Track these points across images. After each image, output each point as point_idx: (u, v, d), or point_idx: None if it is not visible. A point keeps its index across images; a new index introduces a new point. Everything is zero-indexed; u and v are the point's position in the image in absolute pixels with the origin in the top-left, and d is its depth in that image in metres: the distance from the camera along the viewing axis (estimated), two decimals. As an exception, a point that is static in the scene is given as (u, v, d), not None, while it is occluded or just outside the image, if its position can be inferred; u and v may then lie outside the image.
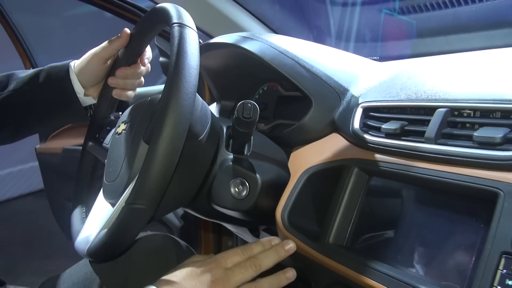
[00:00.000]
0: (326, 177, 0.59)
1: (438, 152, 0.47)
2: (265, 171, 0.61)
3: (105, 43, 0.66)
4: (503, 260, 0.38)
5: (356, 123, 0.58)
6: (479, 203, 0.43)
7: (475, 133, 0.44)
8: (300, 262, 0.60)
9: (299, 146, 0.67)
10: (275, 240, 0.54)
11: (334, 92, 0.64)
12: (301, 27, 1.25)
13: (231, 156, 0.61)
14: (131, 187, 0.50)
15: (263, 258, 0.51)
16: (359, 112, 0.59)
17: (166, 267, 0.52)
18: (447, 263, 0.45)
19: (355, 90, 0.64)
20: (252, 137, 0.63)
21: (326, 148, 0.62)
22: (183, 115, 0.46)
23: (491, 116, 0.45)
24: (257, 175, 0.59)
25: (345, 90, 0.64)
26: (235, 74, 0.82)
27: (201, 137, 0.57)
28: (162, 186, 0.46)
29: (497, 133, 0.42)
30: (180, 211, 1.28)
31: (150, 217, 0.48)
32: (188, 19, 0.52)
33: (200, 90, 1.11)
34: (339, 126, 0.62)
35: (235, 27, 1.00)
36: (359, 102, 0.61)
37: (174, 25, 0.50)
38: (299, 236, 0.58)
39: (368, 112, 0.59)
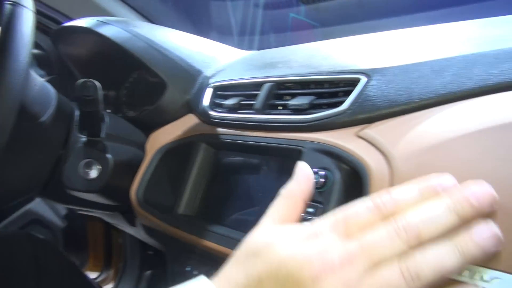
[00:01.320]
0: (178, 154, 0.62)
1: (263, 120, 0.52)
2: (119, 152, 0.62)
3: None
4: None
5: (206, 102, 0.62)
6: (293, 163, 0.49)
7: (290, 102, 0.50)
8: (157, 238, 0.62)
9: (158, 128, 0.69)
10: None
11: (188, 74, 0.67)
12: (182, 19, 1.27)
13: (84, 138, 0.61)
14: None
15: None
16: (208, 92, 0.63)
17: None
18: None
19: (208, 72, 0.68)
20: (108, 120, 0.63)
21: (180, 127, 0.64)
22: (8, 92, 0.45)
23: (306, 87, 0.52)
24: (109, 155, 0.59)
25: (198, 72, 0.68)
26: (102, 62, 0.81)
27: (43, 118, 0.56)
28: None
29: (305, 100, 0.49)
30: (62, 210, 1.22)
31: None
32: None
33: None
34: (193, 106, 0.65)
35: (105, 14, 0.98)
36: (210, 83, 0.64)
37: (6, 3, 0.49)
38: (153, 212, 0.60)
39: (216, 91, 0.63)
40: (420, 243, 0.27)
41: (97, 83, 0.53)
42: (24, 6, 0.50)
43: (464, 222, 0.27)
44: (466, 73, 0.39)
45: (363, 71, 0.46)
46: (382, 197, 0.29)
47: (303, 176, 0.35)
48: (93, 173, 0.59)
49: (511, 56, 0.38)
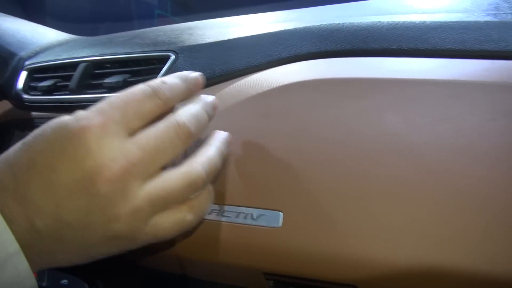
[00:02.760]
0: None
1: (78, 100, 0.50)
2: None
3: None
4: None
5: (20, 85, 0.57)
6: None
7: (105, 81, 0.49)
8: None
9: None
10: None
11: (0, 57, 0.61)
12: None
13: None
14: None
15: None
16: (23, 75, 0.58)
17: None
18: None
19: (24, 54, 0.62)
20: None
21: (-10, 114, 0.58)
22: None
23: (123, 66, 0.52)
24: None
25: (12, 54, 0.62)
26: None
27: None
28: None
29: (120, 79, 0.49)
30: None
31: None
32: None
33: None
34: (6, 91, 0.59)
35: None
36: (25, 65, 0.59)
37: None
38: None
39: (32, 74, 0.58)
40: (190, 138, 0.28)
41: None
42: None
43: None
44: (256, 51, 0.45)
45: (173, 49, 0.48)
46: (158, 84, 0.29)
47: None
48: None
49: (289, 35, 0.45)
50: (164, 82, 0.30)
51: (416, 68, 0.36)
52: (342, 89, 0.35)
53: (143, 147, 0.26)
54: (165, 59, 0.48)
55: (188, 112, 0.29)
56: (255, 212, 0.31)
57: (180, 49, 0.48)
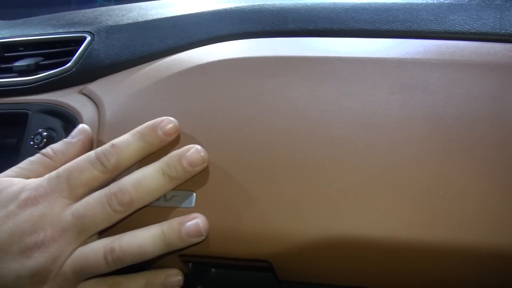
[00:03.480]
0: None
1: (-15, 86, 0.46)
2: None
3: None
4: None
5: None
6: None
7: (15, 64, 0.46)
8: None
9: None
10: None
11: None
12: None
13: None
14: None
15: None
16: None
17: None
18: None
19: None
20: None
21: None
22: None
23: (37, 49, 0.48)
24: None
25: None
26: None
27: None
28: None
29: (31, 61, 0.45)
30: None
31: None
32: None
33: None
34: None
35: None
36: None
37: None
38: None
39: None
40: (130, 206, 0.29)
41: None
42: None
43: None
44: (176, 32, 0.43)
45: (89, 30, 0.46)
46: (104, 149, 0.30)
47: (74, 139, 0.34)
48: None
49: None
50: (113, 146, 0.30)
51: (329, 47, 0.37)
52: (256, 67, 0.35)
53: (75, 215, 0.28)
54: (80, 40, 0.45)
55: (131, 179, 0.29)
56: (167, 193, 0.31)
57: (97, 30, 0.45)
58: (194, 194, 0.30)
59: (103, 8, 0.55)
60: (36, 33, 0.49)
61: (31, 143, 0.41)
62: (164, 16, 0.46)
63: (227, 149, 0.31)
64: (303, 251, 0.28)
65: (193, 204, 0.30)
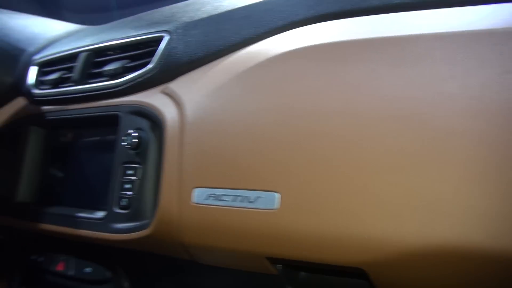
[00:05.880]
0: (9, 140, 0.58)
1: (82, 91, 0.50)
2: None
3: None
4: (122, 169, 0.43)
5: (31, 80, 0.58)
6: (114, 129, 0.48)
7: (105, 68, 0.48)
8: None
9: (-16, 116, 0.63)
10: None
11: (7, 54, 0.61)
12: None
13: None
14: None
15: None
16: (33, 70, 0.59)
17: None
18: (97, 185, 0.49)
19: (33, 49, 0.63)
20: None
21: (7, 111, 0.59)
22: None
23: (122, 52, 0.51)
24: None
25: (20, 51, 0.62)
26: None
27: None
28: None
29: (118, 65, 0.48)
30: None
31: None
32: None
33: None
34: (18, 87, 0.60)
35: None
36: (34, 59, 0.60)
37: None
38: (-14, 206, 0.55)
39: (42, 68, 0.59)
40: None
41: None
42: None
43: None
44: (250, 22, 0.42)
45: (167, 29, 0.46)
46: None
47: None
48: None
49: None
50: None
51: (421, 22, 0.32)
52: (337, 54, 0.32)
53: None
54: (159, 40, 0.46)
55: None
56: (252, 194, 0.30)
57: (174, 29, 0.46)
58: (278, 195, 0.29)
59: (180, 4, 0.55)
60: (120, 36, 0.51)
61: (124, 143, 0.43)
62: (237, 7, 0.44)
63: (313, 147, 0.29)
64: (402, 260, 0.26)
65: (278, 205, 0.29)
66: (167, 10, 0.53)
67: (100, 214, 0.45)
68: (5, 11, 0.72)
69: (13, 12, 0.73)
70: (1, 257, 0.54)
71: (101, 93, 0.48)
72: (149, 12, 0.59)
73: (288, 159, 0.30)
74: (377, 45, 0.31)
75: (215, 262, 0.35)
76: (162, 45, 0.45)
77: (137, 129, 0.43)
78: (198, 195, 0.33)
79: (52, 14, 1.27)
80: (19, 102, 0.60)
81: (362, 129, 0.28)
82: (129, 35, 0.50)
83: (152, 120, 0.42)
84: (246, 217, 0.30)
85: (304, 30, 0.38)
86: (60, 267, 0.50)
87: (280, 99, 0.32)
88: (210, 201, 0.32)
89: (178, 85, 0.41)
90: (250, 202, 0.30)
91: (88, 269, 0.48)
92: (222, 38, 0.42)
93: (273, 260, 0.31)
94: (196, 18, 0.46)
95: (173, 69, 0.44)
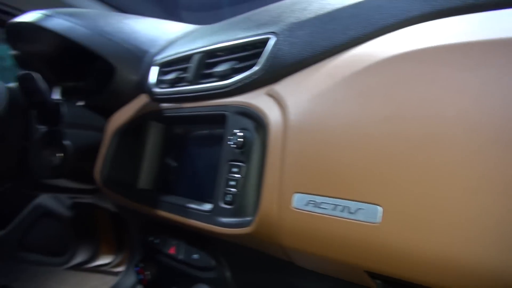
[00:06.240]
0: (134, 133, 0.65)
1: (194, 91, 0.54)
2: (79, 137, 0.65)
3: None
4: (228, 166, 0.46)
5: (152, 80, 0.64)
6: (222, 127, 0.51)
7: (215, 69, 0.51)
8: (124, 213, 0.66)
9: (116, 111, 0.72)
10: None
11: (133, 55, 0.69)
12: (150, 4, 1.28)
13: (44, 129, 0.65)
14: None
15: None
16: (154, 70, 0.65)
17: None
18: (206, 179, 0.53)
19: (155, 50, 0.70)
20: (66, 109, 0.67)
21: (133, 107, 0.67)
22: None
23: (232, 53, 0.53)
24: (67, 142, 0.63)
25: (144, 52, 0.70)
26: (60, 54, 0.83)
27: None
28: None
29: (227, 66, 0.50)
30: (67, 200, 1.28)
31: None
32: None
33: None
34: (142, 86, 0.68)
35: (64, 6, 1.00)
36: (155, 60, 0.66)
37: None
38: (115, 189, 0.64)
39: (162, 68, 0.65)
40: None
41: (37, 75, 0.56)
42: None
43: None
44: (358, 21, 0.40)
45: (274, 31, 0.47)
46: None
47: None
48: (56, 160, 0.63)
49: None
50: None
51: None
52: (456, 57, 0.29)
53: None
54: (266, 41, 0.47)
55: None
56: (352, 205, 0.29)
57: (280, 30, 0.46)
58: (381, 208, 0.28)
59: (287, 2, 0.55)
60: (229, 38, 0.53)
61: (230, 143, 0.45)
62: (345, 5, 0.43)
63: (425, 161, 0.27)
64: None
65: (379, 219, 0.28)
66: (274, 9, 0.54)
67: (207, 206, 0.48)
68: (132, 16, 0.81)
69: (139, 16, 0.82)
70: (126, 234, 0.61)
71: (211, 93, 0.51)
72: (257, 11, 0.60)
73: (395, 172, 0.28)
74: (505, 47, 0.27)
75: (313, 267, 0.35)
76: (269, 47, 0.46)
77: (242, 129, 0.45)
78: (298, 200, 0.33)
79: (171, 13, 1.39)
80: (142, 99, 0.67)
81: (482, 147, 0.25)
82: (237, 36, 0.52)
83: (257, 121, 0.44)
84: (346, 228, 0.29)
85: (419, 28, 0.35)
86: (172, 251, 0.55)
87: (390, 107, 0.30)
88: (309, 208, 0.32)
89: (282, 87, 0.42)
90: (351, 213, 0.29)
91: (195, 256, 0.52)
92: (328, 38, 0.42)
93: (372, 275, 0.30)
94: (303, 18, 0.46)
95: (278, 71, 0.44)
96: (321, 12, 0.45)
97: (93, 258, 1.17)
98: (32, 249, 1.13)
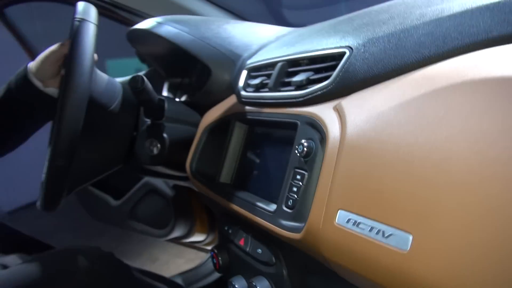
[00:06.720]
0: (221, 131, 0.72)
1: (273, 97, 0.57)
2: (176, 131, 0.75)
3: (59, 44, 0.78)
4: (293, 173, 0.49)
5: (241, 83, 0.70)
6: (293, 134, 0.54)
7: (293, 79, 0.54)
8: (207, 202, 0.73)
9: (210, 108, 0.79)
10: None
11: (228, 59, 0.75)
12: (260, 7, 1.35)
13: (148, 122, 0.75)
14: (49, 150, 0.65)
15: None
16: (243, 73, 0.71)
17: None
18: (275, 181, 0.56)
19: (247, 54, 0.75)
20: (167, 105, 0.76)
21: (223, 107, 0.74)
22: (78, 90, 0.60)
23: (312, 64, 0.55)
24: (165, 135, 0.72)
25: (238, 56, 0.75)
26: (171, 55, 0.94)
27: (112, 107, 0.71)
28: (71, 145, 0.60)
29: (304, 77, 0.53)
30: (170, 182, 1.44)
31: (68, 170, 0.62)
32: (88, 14, 0.64)
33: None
34: (233, 87, 0.74)
35: (186, 12, 1.11)
36: (246, 64, 0.72)
37: (75, 19, 0.63)
38: (201, 181, 0.71)
39: (250, 72, 0.70)
40: None
41: (143, 77, 0.65)
42: (88, 21, 0.64)
43: None
44: (433, 38, 0.39)
45: (349, 45, 0.48)
46: None
47: None
48: (155, 150, 0.73)
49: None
50: None
51: None
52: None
53: None
54: (341, 55, 0.48)
55: None
56: (386, 229, 0.30)
57: (356, 45, 0.47)
58: (411, 237, 0.28)
59: (373, 12, 0.55)
60: (310, 47, 0.55)
61: (296, 151, 0.48)
62: (423, 21, 0.42)
63: (461, 195, 0.27)
64: None
65: (408, 247, 0.28)
66: (357, 18, 0.54)
67: (272, 207, 0.52)
68: (231, 21, 0.87)
69: (237, 21, 0.88)
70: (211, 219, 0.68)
71: (287, 101, 0.54)
72: (341, 19, 0.61)
73: (435, 204, 0.28)
74: None
75: (352, 281, 0.37)
76: (343, 61, 0.47)
77: (308, 139, 0.47)
78: (340, 216, 0.35)
79: (274, 12, 1.43)
80: (232, 99, 0.73)
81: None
82: (319, 47, 0.54)
83: (321, 133, 0.45)
84: (378, 250, 0.30)
85: (498, 50, 0.33)
86: (241, 242, 0.60)
87: (450, 137, 0.29)
88: (349, 226, 0.33)
89: (347, 103, 0.43)
90: (384, 237, 0.30)
91: (259, 250, 0.56)
92: (399, 56, 0.41)
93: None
94: (380, 33, 0.46)
95: (348, 86, 0.45)
96: (399, 27, 0.44)
97: (188, 234, 1.30)
98: (140, 220, 1.31)
